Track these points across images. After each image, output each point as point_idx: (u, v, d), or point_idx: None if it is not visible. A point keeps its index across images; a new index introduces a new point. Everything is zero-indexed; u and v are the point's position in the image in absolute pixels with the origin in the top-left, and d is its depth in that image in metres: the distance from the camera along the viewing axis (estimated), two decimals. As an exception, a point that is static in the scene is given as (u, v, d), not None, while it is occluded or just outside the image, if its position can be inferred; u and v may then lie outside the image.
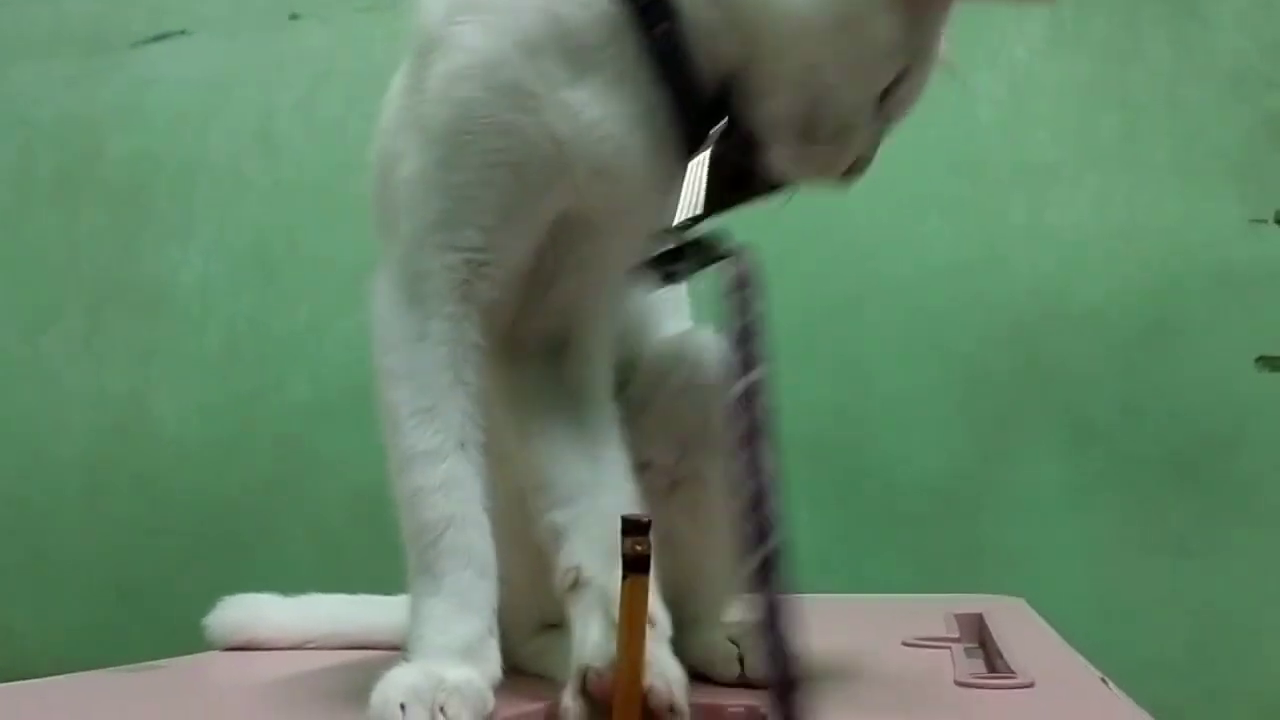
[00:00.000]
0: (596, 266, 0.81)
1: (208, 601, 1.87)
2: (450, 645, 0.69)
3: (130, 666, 0.99)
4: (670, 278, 0.73)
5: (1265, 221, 1.68)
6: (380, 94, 1.91)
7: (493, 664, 0.71)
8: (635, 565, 0.61)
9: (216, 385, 1.93)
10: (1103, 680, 0.81)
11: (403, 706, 0.63)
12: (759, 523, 0.61)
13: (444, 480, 0.73)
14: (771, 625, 0.56)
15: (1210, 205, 1.69)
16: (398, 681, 0.65)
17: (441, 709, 0.63)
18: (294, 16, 1.97)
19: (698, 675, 0.78)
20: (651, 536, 0.62)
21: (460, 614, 0.71)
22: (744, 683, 0.78)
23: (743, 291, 0.68)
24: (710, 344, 0.87)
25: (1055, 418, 1.71)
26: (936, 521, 1.71)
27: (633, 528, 0.61)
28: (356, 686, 0.69)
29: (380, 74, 1.92)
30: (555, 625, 0.88)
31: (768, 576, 0.59)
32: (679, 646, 0.71)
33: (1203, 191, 1.70)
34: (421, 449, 0.74)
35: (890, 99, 0.74)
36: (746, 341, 0.68)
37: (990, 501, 1.70)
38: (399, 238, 0.78)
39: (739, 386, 0.67)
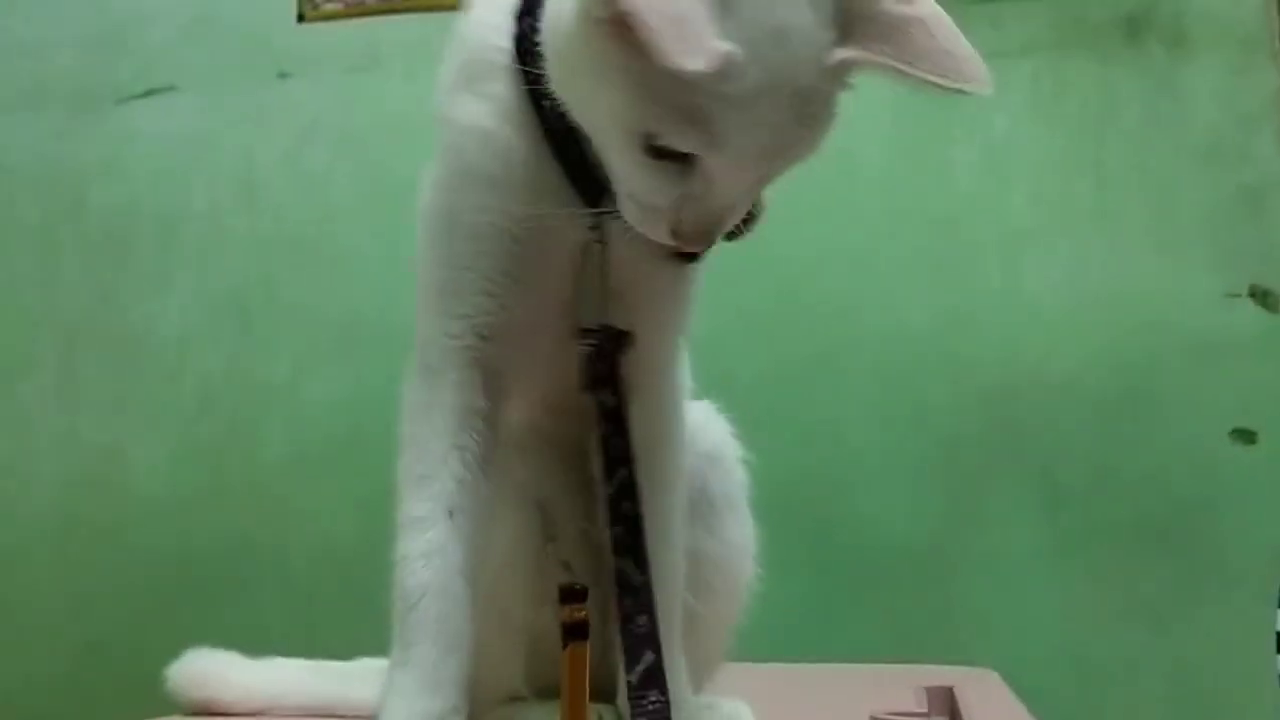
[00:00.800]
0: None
1: (175, 657, 1.85)
2: (422, 713, 0.71)
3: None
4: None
5: (1240, 295, 1.69)
6: (363, 151, 1.95)
7: None
8: (574, 632, 0.61)
9: (191, 436, 1.92)
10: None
11: None
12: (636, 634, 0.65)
13: (427, 549, 0.75)
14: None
15: (1185, 276, 1.72)
16: None
17: None
18: (282, 75, 1.99)
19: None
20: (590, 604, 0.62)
21: (426, 690, 0.72)
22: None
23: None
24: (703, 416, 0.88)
25: (1029, 482, 1.72)
26: (909, 584, 1.71)
27: (570, 595, 0.61)
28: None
29: (364, 132, 1.97)
30: (522, 697, 0.89)
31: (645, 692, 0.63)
32: None
33: (1177, 262, 1.72)
34: (413, 515, 0.76)
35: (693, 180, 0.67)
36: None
37: (963, 565, 1.71)
38: (422, 301, 0.81)
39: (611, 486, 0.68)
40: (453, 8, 2.14)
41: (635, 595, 0.68)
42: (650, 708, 0.64)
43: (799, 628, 1.63)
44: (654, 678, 0.65)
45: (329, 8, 2.02)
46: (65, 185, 2.03)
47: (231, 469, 1.90)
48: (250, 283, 1.95)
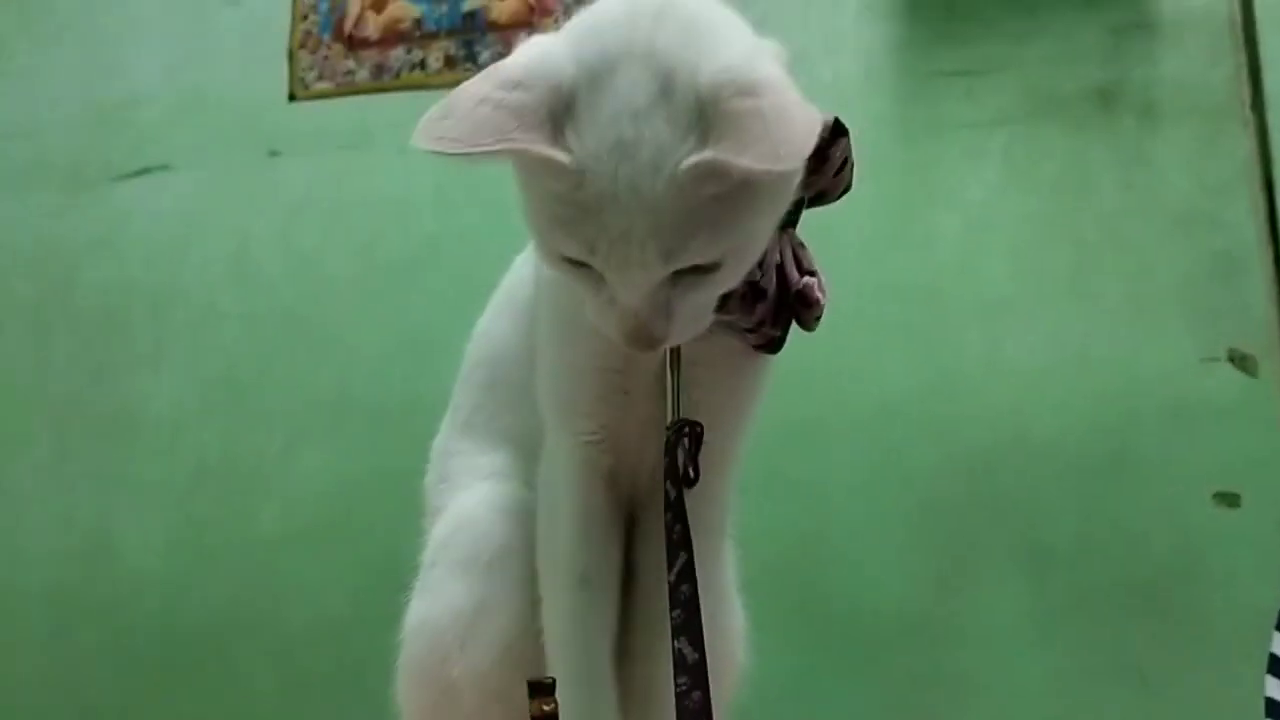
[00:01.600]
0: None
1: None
2: None
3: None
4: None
5: (1217, 359, 1.72)
6: (355, 228, 1.98)
7: None
8: (543, 726, 0.63)
9: (184, 514, 1.93)
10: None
11: None
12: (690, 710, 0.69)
13: (571, 612, 0.83)
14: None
15: (1162, 341, 1.74)
16: None
17: None
18: (273, 153, 2.02)
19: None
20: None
21: None
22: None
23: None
24: None
25: (1013, 547, 1.73)
26: (898, 652, 1.72)
27: (539, 689, 0.64)
28: None
29: (355, 208, 2.00)
30: None
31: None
32: None
33: (1154, 327, 1.75)
34: (553, 585, 0.85)
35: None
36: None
37: (951, 632, 1.72)
38: (547, 416, 0.88)
39: (672, 573, 0.72)
40: (442, 86, 2.19)
41: (690, 673, 0.72)
42: None
43: (787, 696, 1.64)
44: None
45: (320, 87, 2.06)
46: (58, 263, 2.06)
47: (224, 545, 1.91)
48: (242, 360, 1.97)
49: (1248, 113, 1.78)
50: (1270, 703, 0.75)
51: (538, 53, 0.71)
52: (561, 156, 0.66)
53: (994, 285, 1.81)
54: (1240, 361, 1.72)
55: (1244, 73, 1.78)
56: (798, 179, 0.75)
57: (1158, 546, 1.70)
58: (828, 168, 0.78)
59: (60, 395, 2.02)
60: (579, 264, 0.71)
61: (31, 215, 2.08)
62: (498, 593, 0.87)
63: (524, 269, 0.96)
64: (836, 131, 0.79)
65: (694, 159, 0.66)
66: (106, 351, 2.01)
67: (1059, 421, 1.74)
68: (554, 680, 0.67)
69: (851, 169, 0.81)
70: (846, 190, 0.82)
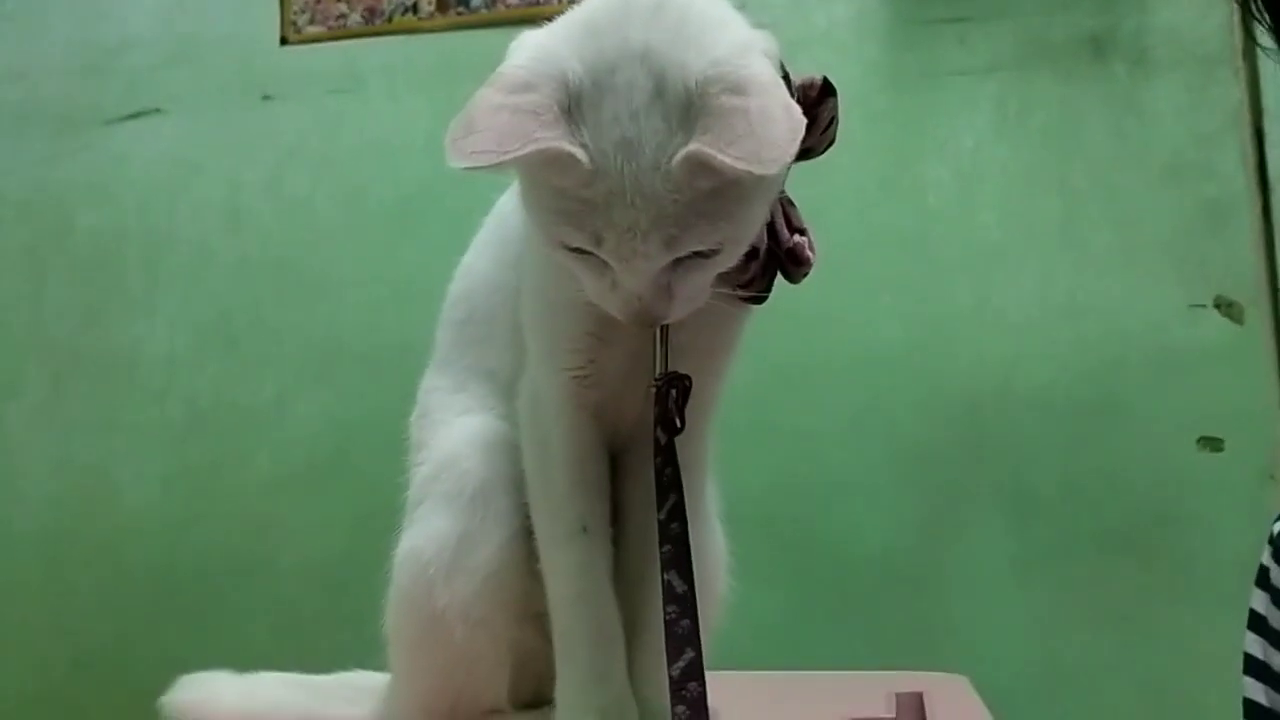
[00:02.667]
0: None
1: (163, 673, 1.88)
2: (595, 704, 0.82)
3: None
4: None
5: (1204, 306, 1.74)
6: (346, 173, 1.98)
7: None
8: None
9: (179, 456, 1.95)
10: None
11: None
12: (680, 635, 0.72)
13: (575, 561, 0.85)
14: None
15: (1150, 289, 1.76)
16: None
17: None
18: (266, 97, 2.02)
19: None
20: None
21: (594, 681, 0.83)
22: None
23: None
24: None
25: (999, 492, 1.76)
26: (884, 595, 1.75)
27: None
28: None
29: (347, 153, 2.00)
30: (503, 710, 0.93)
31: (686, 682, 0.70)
32: None
33: (1142, 276, 1.76)
34: (554, 534, 0.86)
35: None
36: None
37: (936, 576, 1.75)
38: (531, 350, 0.89)
39: (662, 511, 0.74)
40: (434, 30, 2.18)
41: (679, 602, 0.75)
42: (689, 696, 0.72)
43: (775, 637, 1.67)
44: (694, 671, 0.73)
45: (312, 30, 2.05)
46: (52, 208, 2.06)
47: (219, 488, 1.93)
48: (236, 305, 1.98)
49: (1239, 61, 1.78)
50: (1248, 658, 0.77)
51: (539, 52, 0.73)
52: (580, 154, 0.69)
53: (984, 233, 1.82)
54: (1227, 309, 1.73)
55: (1235, 21, 1.77)
56: (789, 168, 0.76)
57: (1141, 491, 1.72)
58: (815, 127, 0.80)
59: (55, 339, 2.03)
60: (581, 250, 0.73)
61: (24, 160, 2.08)
62: (481, 526, 0.89)
63: (508, 205, 0.97)
64: (825, 91, 0.81)
65: (683, 152, 0.68)
66: (101, 296, 2.02)
67: (1046, 368, 1.76)
68: None
69: (836, 125, 0.83)
70: (830, 145, 0.83)
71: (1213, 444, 1.71)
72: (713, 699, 0.74)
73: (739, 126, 0.67)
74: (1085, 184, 1.80)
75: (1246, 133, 1.76)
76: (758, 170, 0.67)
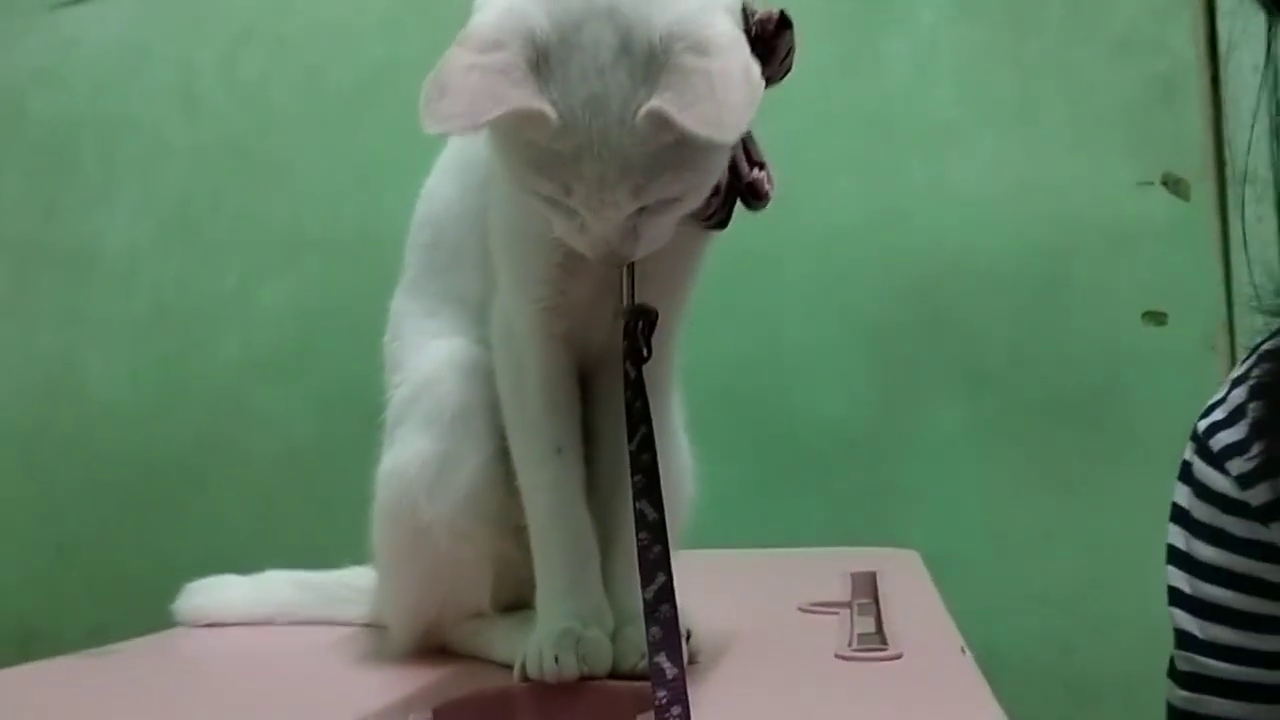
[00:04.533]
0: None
1: (144, 556, 1.94)
2: (575, 611, 0.86)
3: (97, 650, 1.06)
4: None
5: (1152, 184, 1.76)
6: (300, 55, 1.95)
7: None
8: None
9: (146, 347, 1.97)
10: (961, 649, 0.91)
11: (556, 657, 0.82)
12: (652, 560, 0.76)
13: (550, 480, 0.89)
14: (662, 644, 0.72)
15: (1101, 166, 1.78)
16: (547, 636, 0.83)
17: (583, 658, 0.83)
18: (214, -22, 1.98)
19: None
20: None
21: (574, 591, 0.88)
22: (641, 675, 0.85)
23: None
24: None
25: (953, 367, 1.80)
26: (842, 467, 1.81)
27: None
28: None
29: (301, 35, 1.97)
30: (486, 614, 0.99)
31: (659, 605, 0.75)
32: None
33: (1094, 153, 1.78)
34: (529, 455, 0.91)
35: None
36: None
37: (892, 448, 1.81)
38: (501, 280, 0.91)
39: (633, 443, 0.80)
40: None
41: (650, 530, 0.78)
42: (662, 617, 0.75)
43: (737, 513, 1.72)
44: (666, 594, 0.76)
45: (260, -94, 1.99)
46: (2, 96, 2.03)
47: (188, 377, 1.95)
48: (194, 194, 1.97)
49: (1194, -69, 1.77)
50: (1171, 549, 0.81)
51: (507, 8, 0.73)
52: (549, 110, 0.70)
53: (940, 111, 1.83)
54: (1174, 185, 1.76)
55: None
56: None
57: (1088, 363, 1.77)
58: (774, 58, 0.81)
59: (14, 233, 2.02)
60: (551, 199, 0.75)
61: (-32, 45, 2.04)
62: (460, 447, 0.92)
63: None
64: (782, 24, 0.82)
65: (645, 108, 0.70)
66: (58, 188, 2.01)
67: (998, 246, 1.79)
68: None
69: (793, 55, 0.84)
70: (787, 73, 0.84)
71: (1157, 318, 1.75)
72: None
73: (700, 87, 0.69)
74: (1039, 60, 1.81)
75: (1198, 6, 1.76)
76: (717, 137, 0.69)
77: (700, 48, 0.71)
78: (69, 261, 1.99)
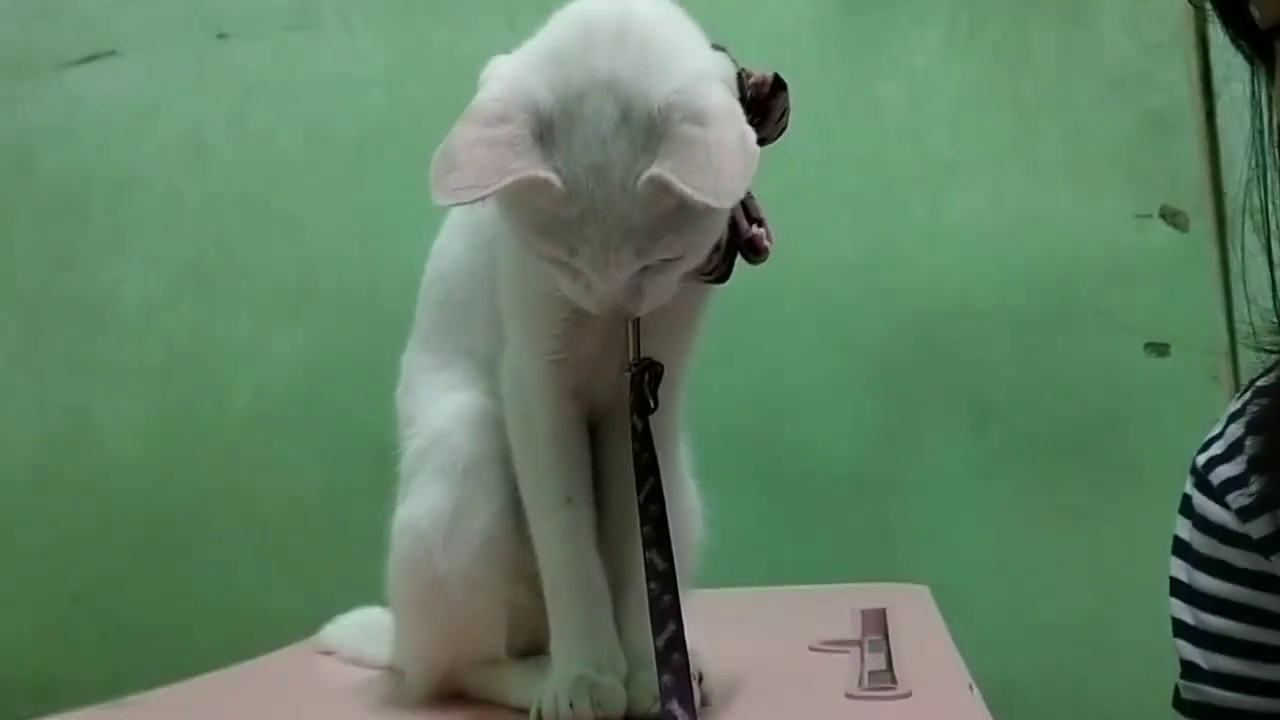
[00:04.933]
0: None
1: (156, 604, 1.94)
2: (589, 656, 0.87)
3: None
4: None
5: (1150, 216, 1.78)
6: (306, 109, 1.99)
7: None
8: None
9: (159, 396, 1.98)
10: (970, 688, 0.92)
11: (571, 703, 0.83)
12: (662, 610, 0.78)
13: (562, 528, 0.91)
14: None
15: (1098, 200, 1.80)
16: (562, 681, 0.84)
17: (598, 703, 0.83)
18: (221, 35, 2.01)
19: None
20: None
21: (586, 638, 0.88)
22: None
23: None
24: None
25: (957, 402, 1.82)
26: (848, 503, 1.81)
27: None
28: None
29: (306, 89, 2.00)
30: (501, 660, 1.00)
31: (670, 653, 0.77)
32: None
33: (1091, 187, 1.81)
34: (542, 504, 0.92)
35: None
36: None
37: (897, 483, 1.81)
38: (511, 335, 0.94)
39: (641, 494, 0.82)
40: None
41: (660, 580, 0.80)
42: (674, 665, 0.77)
43: (745, 552, 1.72)
44: (676, 643, 0.78)
45: (263, -36, 2.03)
46: (14, 154, 2.05)
47: (201, 426, 1.96)
48: (205, 245, 1.99)
49: (1184, -32, 1.80)
50: (1173, 581, 0.82)
51: (510, 84, 0.77)
52: (554, 178, 0.74)
53: (937, 151, 1.85)
54: (1172, 217, 1.78)
55: (1181, -71, 1.79)
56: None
57: (1091, 396, 1.78)
58: (769, 119, 0.84)
59: (27, 285, 2.04)
60: (556, 260, 0.79)
61: (-19, 107, 2.07)
62: (473, 496, 0.94)
63: None
64: (776, 86, 0.84)
65: (646, 175, 0.73)
66: (70, 241, 2.03)
67: (999, 280, 1.81)
68: None
69: (788, 115, 0.87)
70: (783, 131, 0.87)
71: (1159, 349, 1.77)
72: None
73: (698, 156, 0.73)
74: (1035, 98, 1.83)
75: (1190, 42, 1.79)
76: (715, 203, 0.73)
77: (697, 118, 0.74)
78: (82, 313, 2.01)
